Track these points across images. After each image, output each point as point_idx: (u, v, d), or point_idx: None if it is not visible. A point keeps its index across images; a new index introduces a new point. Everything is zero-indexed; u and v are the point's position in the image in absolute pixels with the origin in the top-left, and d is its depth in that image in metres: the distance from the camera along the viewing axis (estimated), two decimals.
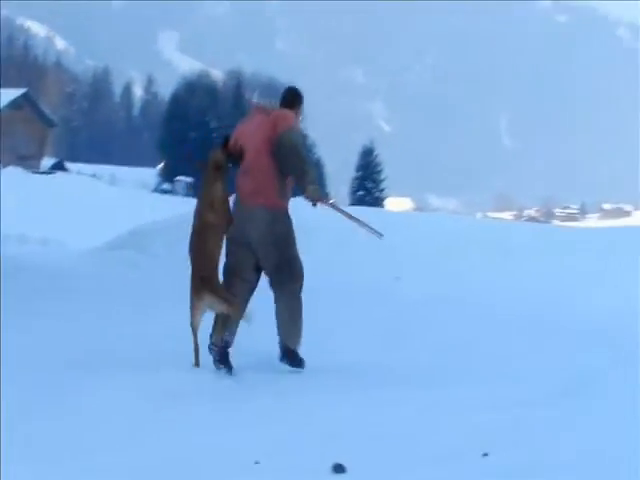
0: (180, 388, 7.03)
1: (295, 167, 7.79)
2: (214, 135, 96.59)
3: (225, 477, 4.90)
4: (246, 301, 8.01)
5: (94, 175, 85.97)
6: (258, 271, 8.04)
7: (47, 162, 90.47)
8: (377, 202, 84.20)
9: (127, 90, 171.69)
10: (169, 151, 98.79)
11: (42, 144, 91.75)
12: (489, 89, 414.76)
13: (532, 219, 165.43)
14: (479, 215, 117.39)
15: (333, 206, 8.44)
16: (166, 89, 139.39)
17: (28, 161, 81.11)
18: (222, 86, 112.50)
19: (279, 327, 8.01)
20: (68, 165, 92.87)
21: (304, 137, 7.94)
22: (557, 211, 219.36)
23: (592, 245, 17.72)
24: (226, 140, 8.00)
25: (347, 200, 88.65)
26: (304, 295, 8.13)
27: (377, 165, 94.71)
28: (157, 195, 78.19)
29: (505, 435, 5.77)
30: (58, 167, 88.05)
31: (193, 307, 7.83)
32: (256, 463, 5.01)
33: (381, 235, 8.48)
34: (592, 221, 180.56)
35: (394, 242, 17.87)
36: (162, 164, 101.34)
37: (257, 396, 6.96)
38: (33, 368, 7.52)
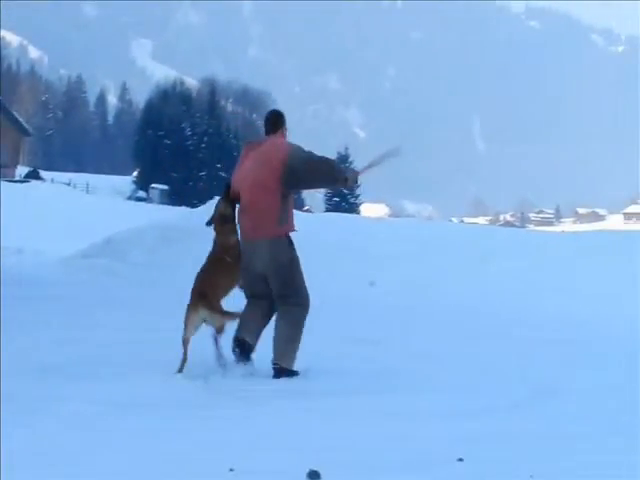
0: (155, 395, 7.02)
1: (324, 175, 8.14)
2: (188, 143, 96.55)
3: None
4: (263, 318, 8.21)
5: (69, 183, 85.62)
6: (272, 301, 8.23)
7: (21, 171, 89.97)
8: (352, 208, 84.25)
9: (101, 98, 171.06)
10: (144, 159, 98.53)
11: (16, 153, 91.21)
12: (462, 94, 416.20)
13: (507, 223, 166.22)
14: (455, 220, 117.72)
15: (366, 168, 8.69)
16: (140, 97, 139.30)
17: (2, 170, 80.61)
18: (196, 94, 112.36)
19: (275, 347, 8.06)
20: (43, 174, 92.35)
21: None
22: (532, 215, 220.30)
23: (566, 249, 17.85)
24: (227, 188, 8.37)
25: (322, 206, 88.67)
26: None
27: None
28: (132, 203, 77.89)
29: (480, 441, 5.79)
30: (33, 176, 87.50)
31: (187, 319, 7.93)
32: (231, 470, 5.01)
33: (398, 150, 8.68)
34: (567, 225, 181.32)
35: (369, 248, 17.95)
36: (137, 172, 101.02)
37: (230, 403, 6.96)
38: (6, 375, 7.48)
